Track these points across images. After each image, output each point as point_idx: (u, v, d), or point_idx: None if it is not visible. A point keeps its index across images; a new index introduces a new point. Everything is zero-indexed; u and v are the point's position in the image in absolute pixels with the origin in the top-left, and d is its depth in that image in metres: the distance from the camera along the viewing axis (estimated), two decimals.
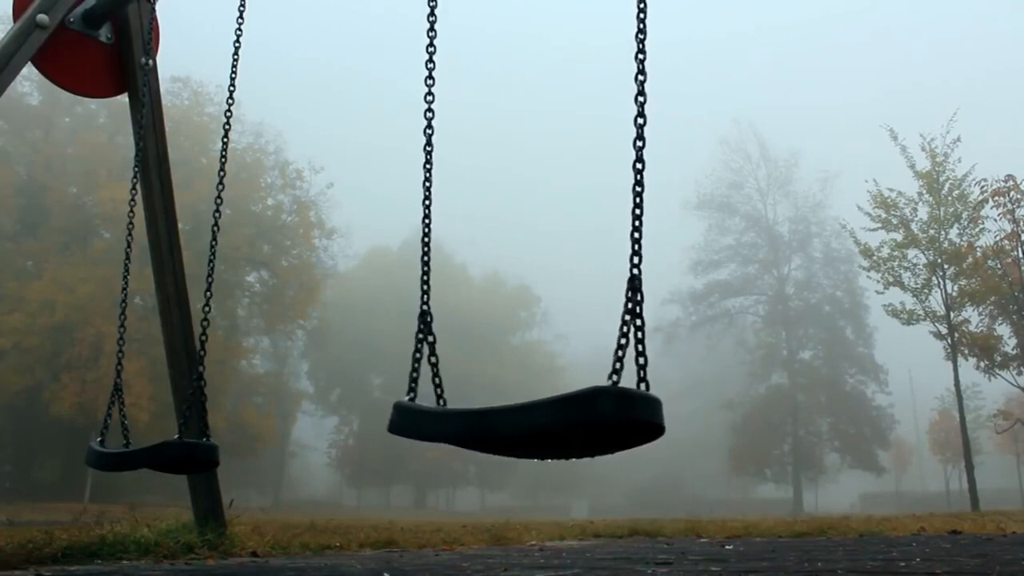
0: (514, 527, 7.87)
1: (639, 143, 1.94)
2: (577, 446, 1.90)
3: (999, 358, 21.81)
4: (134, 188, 4.08)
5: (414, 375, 2.19)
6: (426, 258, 2.41)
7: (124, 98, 4.63)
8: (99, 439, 3.63)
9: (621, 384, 1.71)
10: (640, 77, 1.98)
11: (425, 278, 2.37)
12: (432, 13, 2.56)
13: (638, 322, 1.76)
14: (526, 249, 73.90)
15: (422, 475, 54.21)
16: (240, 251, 35.33)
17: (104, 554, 3.73)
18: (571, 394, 1.68)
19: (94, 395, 28.20)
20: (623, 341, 1.74)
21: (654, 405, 1.70)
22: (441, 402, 2.13)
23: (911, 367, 56.27)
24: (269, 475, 50.28)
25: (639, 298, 1.79)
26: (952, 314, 21.63)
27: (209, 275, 3.55)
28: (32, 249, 32.95)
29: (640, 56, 1.99)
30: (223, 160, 3.70)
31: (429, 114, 2.49)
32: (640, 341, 1.76)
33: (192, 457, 3.36)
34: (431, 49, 2.53)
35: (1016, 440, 42.73)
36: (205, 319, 3.46)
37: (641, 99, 1.96)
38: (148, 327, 27.99)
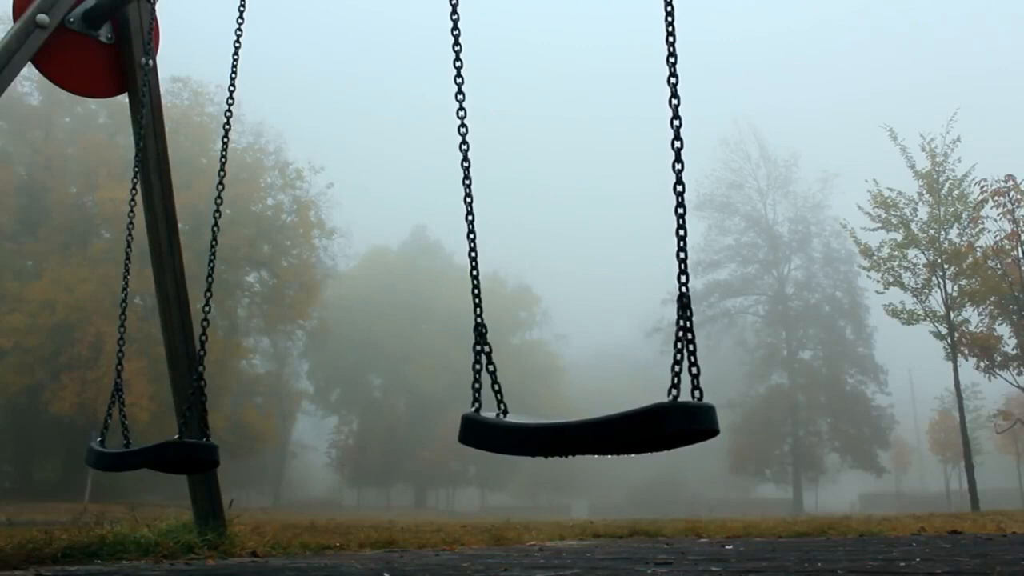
0: (514, 527, 7.87)
1: (678, 166, 1.98)
2: (637, 449, 1.99)
3: (999, 358, 21.82)
4: (134, 188, 4.08)
5: (476, 386, 2.24)
6: (475, 272, 2.43)
7: (124, 98, 4.63)
8: (99, 439, 3.62)
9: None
10: (674, 101, 2.01)
11: (476, 291, 2.39)
12: (455, 27, 2.54)
13: (689, 336, 1.87)
14: (526, 249, 73.98)
15: (422, 475, 54.20)
16: (240, 251, 35.31)
17: (104, 554, 3.73)
18: (637, 411, 1.80)
19: (94, 395, 28.19)
20: (679, 357, 1.84)
21: (710, 413, 1.83)
22: (502, 407, 2.19)
23: (911, 367, 56.35)
24: (269, 475, 50.28)
25: (689, 314, 1.89)
26: (952, 314, 21.62)
27: (209, 275, 3.55)
28: (32, 249, 32.94)
29: (672, 80, 2.02)
30: (223, 160, 3.69)
31: (463, 129, 2.48)
32: (692, 353, 1.86)
33: (192, 457, 3.35)
34: (458, 64, 2.52)
35: (1016, 440, 42.74)
36: (205, 319, 3.46)
37: (676, 123, 2.00)
38: (148, 327, 27.99)
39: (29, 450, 34.75)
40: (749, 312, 51.28)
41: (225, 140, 3.79)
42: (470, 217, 2.45)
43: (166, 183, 4.50)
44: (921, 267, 22.14)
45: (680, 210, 1.95)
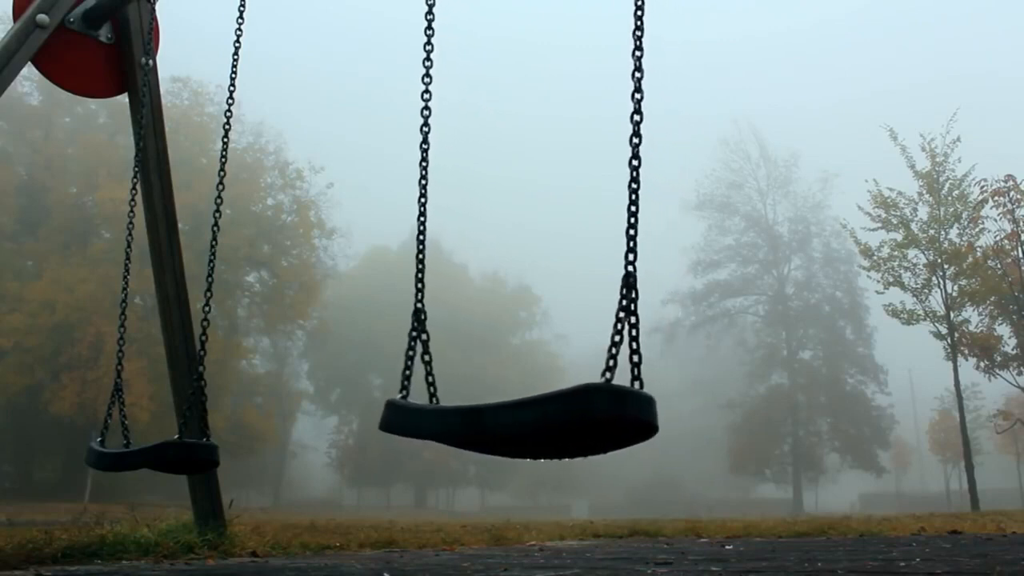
0: (514, 527, 7.87)
1: (635, 140, 1.91)
2: (570, 445, 1.87)
3: (999, 358, 21.81)
4: (134, 188, 4.08)
5: (407, 373, 2.13)
6: (420, 255, 2.36)
7: (124, 98, 4.63)
8: (99, 439, 3.62)
9: (616, 382, 1.68)
10: (637, 74, 1.96)
11: (419, 276, 2.30)
12: (430, 11, 2.55)
13: (632, 319, 1.73)
14: (526, 249, 73.97)
15: (422, 475, 54.19)
16: (240, 251, 35.30)
17: (104, 554, 3.72)
18: (562, 391, 1.65)
19: (94, 395, 28.17)
20: (617, 339, 1.71)
21: (646, 403, 1.65)
22: (434, 400, 2.10)
23: (911, 367, 56.33)
24: (269, 475, 50.25)
25: (634, 295, 1.75)
26: (952, 314, 21.62)
27: (209, 275, 3.55)
28: (32, 249, 32.93)
29: (637, 53, 1.97)
30: (223, 160, 3.69)
31: (426, 112, 2.46)
32: (634, 339, 1.73)
33: (192, 457, 3.36)
34: (428, 47, 2.51)
35: (1016, 440, 42.73)
36: (205, 319, 3.46)
37: (638, 96, 1.94)
38: (148, 327, 27.97)
39: (29, 450, 34.73)
40: (749, 312, 51.31)
41: (225, 140, 3.80)
42: (423, 200, 2.43)
43: (166, 183, 4.50)
44: (921, 267, 22.15)
45: (634, 185, 1.87)
